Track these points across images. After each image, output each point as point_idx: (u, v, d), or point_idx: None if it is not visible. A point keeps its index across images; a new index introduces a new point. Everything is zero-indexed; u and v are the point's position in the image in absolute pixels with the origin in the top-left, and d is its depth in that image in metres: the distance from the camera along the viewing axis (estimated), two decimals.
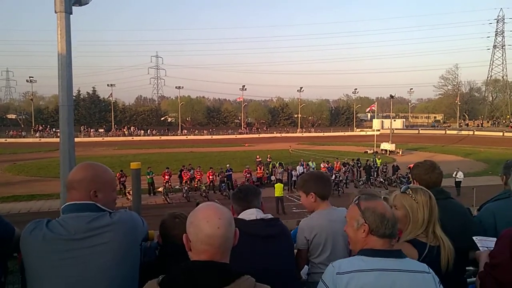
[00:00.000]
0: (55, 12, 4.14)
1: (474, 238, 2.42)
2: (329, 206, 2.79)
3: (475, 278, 2.79)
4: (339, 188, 24.78)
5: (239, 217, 2.36)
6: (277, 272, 2.15)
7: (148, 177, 24.42)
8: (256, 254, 2.13)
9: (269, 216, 2.42)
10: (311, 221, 2.73)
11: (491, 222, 2.73)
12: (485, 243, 2.36)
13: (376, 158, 32.29)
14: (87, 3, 4.38)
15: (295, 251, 2.77)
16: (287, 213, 20.05)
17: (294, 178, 25.51)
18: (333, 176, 25.00)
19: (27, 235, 1.79)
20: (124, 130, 79.77)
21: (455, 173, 24.74)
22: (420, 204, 2.20)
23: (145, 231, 2.10)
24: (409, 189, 2.28)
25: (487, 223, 2.76)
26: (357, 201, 1.90)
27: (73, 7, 4.26)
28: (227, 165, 28.11)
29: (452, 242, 2.16)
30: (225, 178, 26.17)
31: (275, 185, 22.29)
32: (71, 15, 4.28)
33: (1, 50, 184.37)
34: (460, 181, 24.40)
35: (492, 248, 2.15)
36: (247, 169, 27.62)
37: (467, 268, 2.65)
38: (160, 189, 24.21)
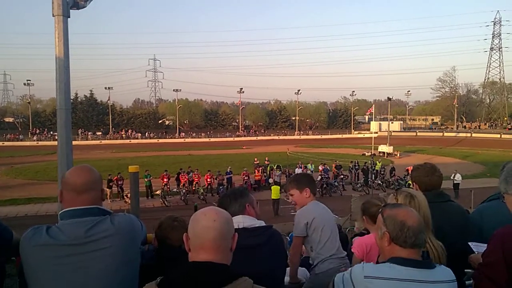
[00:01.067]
0: (53, 15, 4.13)
1: (469, 244, 2.42)
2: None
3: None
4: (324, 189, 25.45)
5: None
6: (258, 280, 2.06)
7: (146, 180, 24.33)
8: (237, 265, 2.02)
9: (257, 224, 2.26)
10: (308, 208, 2.94)
11: (479, 223, 2.75)
12: (480, 248, 2.37)
13: (377, 161, 32.29)
14: (85, 7, 4.38)
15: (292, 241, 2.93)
16: (284, 215, 19.85)
17: None
18: (319, 177, 26.02)
19: (27, 241, 1.79)
20: (122, 133, 79.73)
21: (453, 175, 24.75)
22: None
23: (144, 235, 2.11)
24: (395, 192, 2.31)
25: (476, 225, 2.78)
26: (381, 209, 1.89)
27: (70, 10, 4.26)
28: (229, 168, 28.05)
29: (443, 247, 2.14)
30: (223, 181, 26.16)
31: (272, 187, 22.27)
32: (68, 18, 4.28)
33: None
34: (458, 183, 24.39)
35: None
36: (245, 172, 27.53)
37: (466, 270, 2.65)
38: (158, 192, 24.13)
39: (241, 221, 2.22)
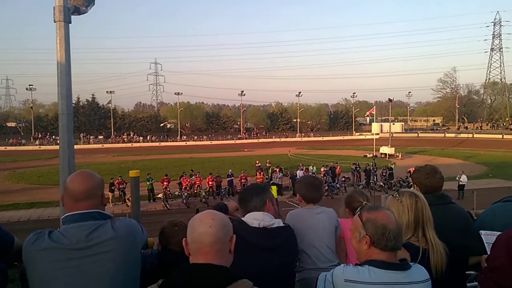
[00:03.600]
0: (54, 21, 4.14)
1: (480, 232, 2.41)
2: (316, 206, 2.93)
3: (476, 283, 2.79)
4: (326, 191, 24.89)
5: (243, 218, 2.27)
6: (272, 285, 2.04)
7: (147, 183, 24.37)
8: (251, 265, 1.96)
9: (275, 224, 2.26)
10: (295, 213, 2.93)
11: (490, 222, 2.73)
12: (490, 238, 2.36)
13: (390, 164, 32.00)
14: (86, 13, 4.39)
15: None
16: (284, 217, 19.75)
17: None
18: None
19: (29, 245, 1.81)
20: (124, 136, 79.78)
21: (458, 176, 24.63)
22: (405, 206, 2.20)
23: (144, 239, 2.12)
24: (396, 193, 2.31)
25: (487, 224, 2.76)
26: (359, 212, 1.87)
27: (72, 16, 4.27)
28: (230, 170, 27.96)
29: (445, 246, 2.14)
30: (221, 183, 26.25)
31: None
32: (70, 24, 4.29)
33: (1, 58, 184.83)
34: (464, 185, 24.26)
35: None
36: (242, 175, 27.18)
37: (467, 272, 2.64)
38: (159, 196, 24.16)
39: (261, 218, 2.22)
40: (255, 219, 2.22)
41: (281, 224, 2.31)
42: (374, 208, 1.87)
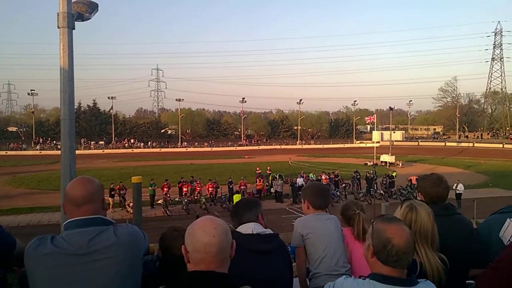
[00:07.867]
0: (58, 27, 4.18)
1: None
2: (323, 212, 2.97)
3: None
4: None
5: (236, 230, 2.33)
6: (270, 285, 2.12)
7: (150, 188, 24.29)
8: (250, 269, 2.07)
9: (268, 231, 2.37)
10: (305, 220, 2.93)
11: (487, 235, 2.70)
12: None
13: (391, 172, 31.60)
14: (89, 19, 4.43)
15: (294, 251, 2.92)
16: (285, 225, 19.49)
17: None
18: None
19: (32, 250, 1.81)
20: (124, 142, 79.80)
21: (455, 185, 24.54)
22: (397, 215, 2.17)
23: (146, 245, 2.12)
24: (402, 202, 2.29)
25: (484, 237, 2.72)
26: (374, 220, 1.83)
27: (75, 22, 4.31)
28: (231, 177, 27.81)
29: (444, 260, 2.11)
30: (217, 189, 26.25)
31: (234, 196, 22.92)
32: (73, 30, 4.33)
33: (3, 63, 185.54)
34: (461, 193, 24.19)
35: None
36: (241, 181, 26.90)
37: (467, 282, 2.63)
38: (160, 202, 24.10)
39: (253, 227, 2.31)
40: (248, 228, 2.31)
41: (272, 232, 2.41)
42: (388, 220, 1.81)
